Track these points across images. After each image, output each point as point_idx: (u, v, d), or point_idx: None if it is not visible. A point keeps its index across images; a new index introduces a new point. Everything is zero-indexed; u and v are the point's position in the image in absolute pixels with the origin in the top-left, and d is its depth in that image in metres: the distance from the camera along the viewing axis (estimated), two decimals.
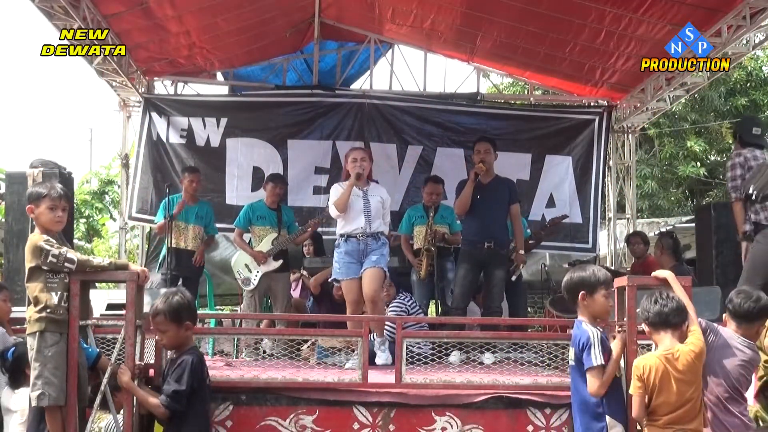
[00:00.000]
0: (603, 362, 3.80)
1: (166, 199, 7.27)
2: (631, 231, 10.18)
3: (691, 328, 3.70)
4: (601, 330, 3.93)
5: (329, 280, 6.33)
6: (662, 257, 7.73)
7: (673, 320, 3.70)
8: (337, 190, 5.98)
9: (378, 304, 5.80)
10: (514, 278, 6.62)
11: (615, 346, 3.94)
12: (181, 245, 7.30)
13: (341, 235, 5.91)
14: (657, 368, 3.63)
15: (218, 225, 8.57)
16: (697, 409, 3.62)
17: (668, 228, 12.89)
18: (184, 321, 4.08)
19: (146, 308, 4.25)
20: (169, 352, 4.22)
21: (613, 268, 9.68)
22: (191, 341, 4.18)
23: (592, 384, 3.81)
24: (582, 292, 3.93)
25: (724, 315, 4.02)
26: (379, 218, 5.92)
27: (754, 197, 5.61)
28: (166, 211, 7.17)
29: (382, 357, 5.71)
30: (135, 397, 4.06)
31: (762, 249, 5.52)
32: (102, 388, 4.07)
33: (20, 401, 4.50)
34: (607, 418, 3.81)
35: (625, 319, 4.08)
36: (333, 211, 5.95)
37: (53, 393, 3.90)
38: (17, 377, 4.57)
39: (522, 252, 6.63)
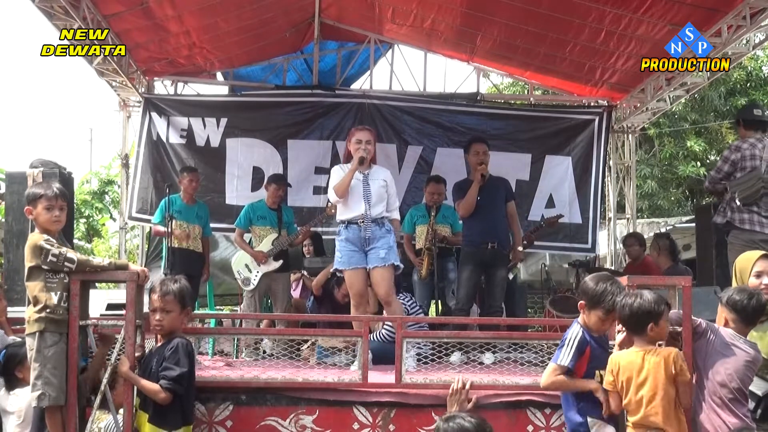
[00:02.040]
0: (569, 365, 3.74)
1: (166, 199, 7.26)
2: (631, 231, 10.21)
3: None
4: (593, 335, 3.86)
5: (331, 270, 6.05)
6: (659, 258, 7.72)
7: (626, 324, 3.75)
8: (337, 173, 5.68)
9: (393, 304, 5.56)
10: (511, 276, 6.58)
11: (586, 382, 3.81)
12: (183, 245, 7.28)
13: (341, 222, 5.63)
14: (624, 367, 3.66)
15: (219, 225, 8.62)
16: (665, 410, 3.57)
17: (668, 228, 12.91)
18: (186, 306, 4.17)
19: (146, 308, 4.26)
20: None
21: (613, 268, 9.69)
22: (181, 329, 4.21)
23: (545, 375, 3.81)
24: (580, 303, 3.89)
25: (722, 315, 3.99)
26: (381, 203, 5.60)
27: (738, 204, 5.79)
28: (165, 212, 7.16)
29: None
30: (134, 393, 4.06)
31: (738, 249, 5.63)
32: (102, 388, 4.07)
33: (17, 403, 4.50)
34: (588, 418, 3.80)
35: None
36: (332, 196, 5.64)
37: (53, 393, 3.90)
38: (11, 379, 4.57)
39: (520, 249, 6.59)
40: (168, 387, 3.90)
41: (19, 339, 4.69)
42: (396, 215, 5.78)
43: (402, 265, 5.76)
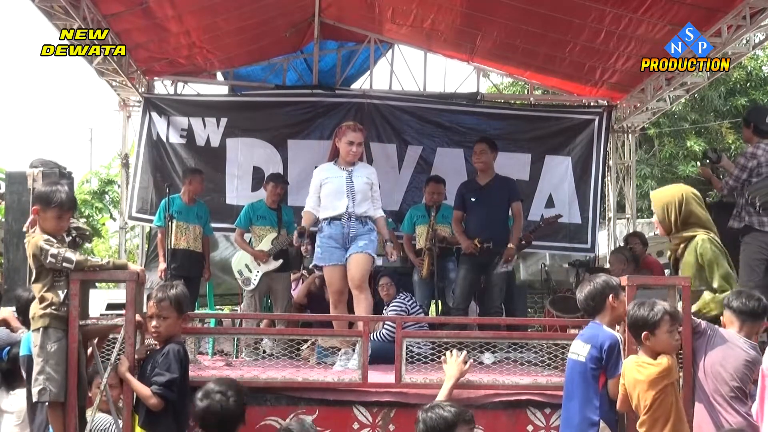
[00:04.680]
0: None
1: (166, 199, 7.26)
2: (631, 231, 10.20)
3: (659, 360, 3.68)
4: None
5: (311, 266, 5.98)
6: (627, 270, 7.64)
7: (630, 332, 3.82)
8: (318, 175, 5.61)
9: (364, 293, 5.38)
10: (498, 271, 6.52)
11: None
12: (183, 245, 7.28)
13: (324, 219, 5.51)
14: (628, 372, 3.71)
15: (219, 225, 8.61)
16: (664, 417, 3.60)
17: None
18: (184, 312, 4.18)
19: (145, 308, 4.26)
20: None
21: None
22: (180, 335, 4.21)
23: (617, 389, 3.84)
24: (612, 295, 3.98)
25: (721, 318, 4.01)
26: (366, 201, 5.49)
27: (758, 208, 5.87)
28: (165, 212, 7.16)
29: (338, 365, 5.34)
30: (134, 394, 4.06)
31: (753, 250, 5.86)
32: (102, 387, 4.08)
33: (16, 402, 4.50)
34: (602, 422, 3.84)
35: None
36: (308, 204, 5.64)
37: (54, 389, 3.91)
38: (13, 378, 4.56)
39: (512, 246, 6.55)
40: (157, 392, 3.91)
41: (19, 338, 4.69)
42: (380, 213, 5.66)
43: (376, 258, 5.63)
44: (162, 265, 7.18)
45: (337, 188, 5.46)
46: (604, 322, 3.97)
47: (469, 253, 6.49)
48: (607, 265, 10.12)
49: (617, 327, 4.05)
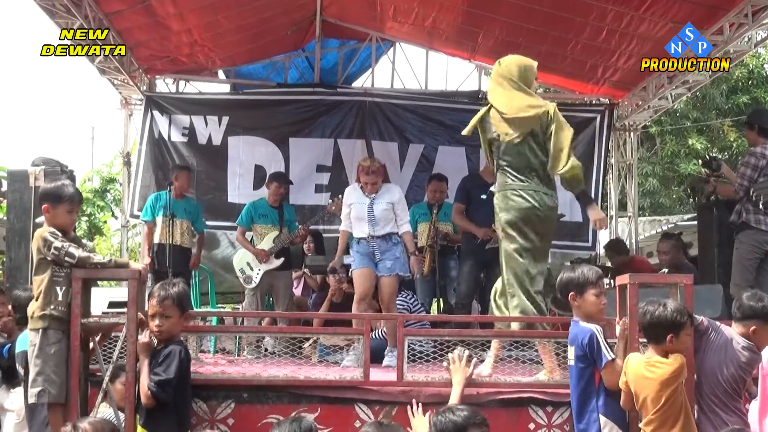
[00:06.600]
0: (614, 356, 3.82)
1: (153, 195, 7.25)
2: (632, 229, 10.27)
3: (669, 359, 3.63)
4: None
5: (350, 272, 6.31)
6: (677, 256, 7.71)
7: (645, 332, 3.75)
8: (350, 194, 6.08)
9: (391, 311, 5.90)
10: (488, 246, 6.51)
11: (619, 343, 3.94)
12: (170, 241, 7.26)
13: (353, 237, 6.06)
14: (634, 371, 3.67)
15: (220, 223, 8.61)
16: (673, 417, 3.58)
17: (670, 226, 12.91)
18: (186, 310, 4.17)
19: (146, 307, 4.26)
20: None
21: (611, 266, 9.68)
22: (180, 334, 4.20)
23: (612, 378, 3.81)
24: (571, 293, 3.94)
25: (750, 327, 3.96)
26: (388, 224, 5.95)
27: (760, 206, 5.93)
28: (153, 208, 7.15)
29: (386, 360, 5.63)
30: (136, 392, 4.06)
31: (746, 248, 5.98)
32: (103, 386, 4.08)
33: (17, 401, 4.50)
34: (601, 417, 3.83)
35: (625, 318, 4.08)
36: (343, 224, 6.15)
37: (53, 390, 3.92)
38: (13, 376, 4.56)
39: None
40: (150, 388, 3.91)
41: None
42: (405, 228, 6.03)
43: (409, 274, 6.10)
44: (146, 260, 7.17)
45: (360, 214, 5.97)
46: (580, 318, 3.96)
47: (486, 239, 6.47)
48: (609, 263, 10.15)
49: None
